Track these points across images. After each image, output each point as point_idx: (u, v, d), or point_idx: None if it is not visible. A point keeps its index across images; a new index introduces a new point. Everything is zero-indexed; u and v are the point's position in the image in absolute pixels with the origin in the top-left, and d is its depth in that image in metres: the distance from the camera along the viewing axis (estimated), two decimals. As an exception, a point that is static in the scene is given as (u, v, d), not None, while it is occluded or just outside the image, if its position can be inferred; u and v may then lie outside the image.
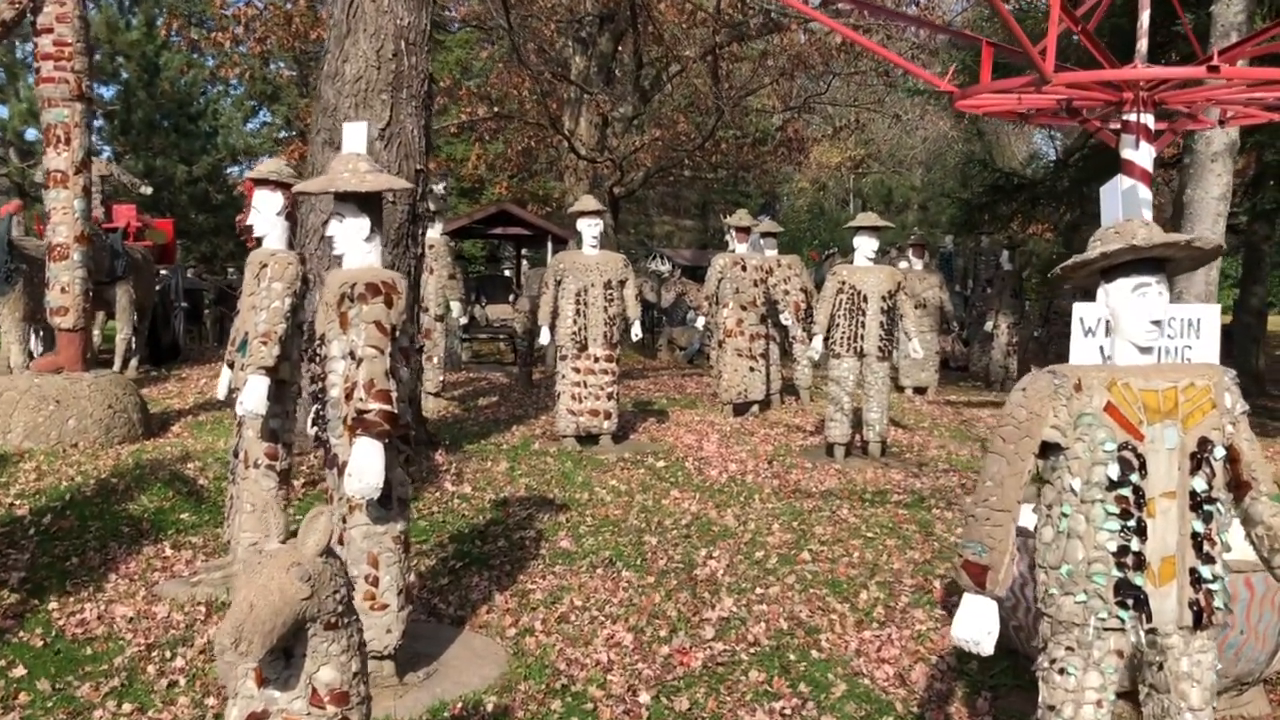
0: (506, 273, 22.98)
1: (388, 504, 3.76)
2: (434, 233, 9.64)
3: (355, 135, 3.84)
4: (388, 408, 3.56)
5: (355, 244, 3.81)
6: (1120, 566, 2.53)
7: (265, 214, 4.79)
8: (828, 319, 8.07)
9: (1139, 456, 2.55)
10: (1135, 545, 2.53)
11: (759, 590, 5.12)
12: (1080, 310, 4.21)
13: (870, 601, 5.08)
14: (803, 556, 5.71)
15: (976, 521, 2.66)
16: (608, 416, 8.14)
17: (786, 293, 10.38)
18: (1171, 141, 4.38)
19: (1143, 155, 4.17)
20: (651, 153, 19.41)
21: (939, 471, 7.83)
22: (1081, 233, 26.78)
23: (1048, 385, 2.62)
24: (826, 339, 8.11)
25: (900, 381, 12.20)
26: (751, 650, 4.41)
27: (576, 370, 8.06)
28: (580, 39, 19.06)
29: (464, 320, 13.88)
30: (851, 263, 8.28)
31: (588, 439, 8.17)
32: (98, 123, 29.28)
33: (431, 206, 9.57)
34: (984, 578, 2.61)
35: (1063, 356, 14.19)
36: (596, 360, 8.08)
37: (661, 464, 7.68)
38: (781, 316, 10.28)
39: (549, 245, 16.41)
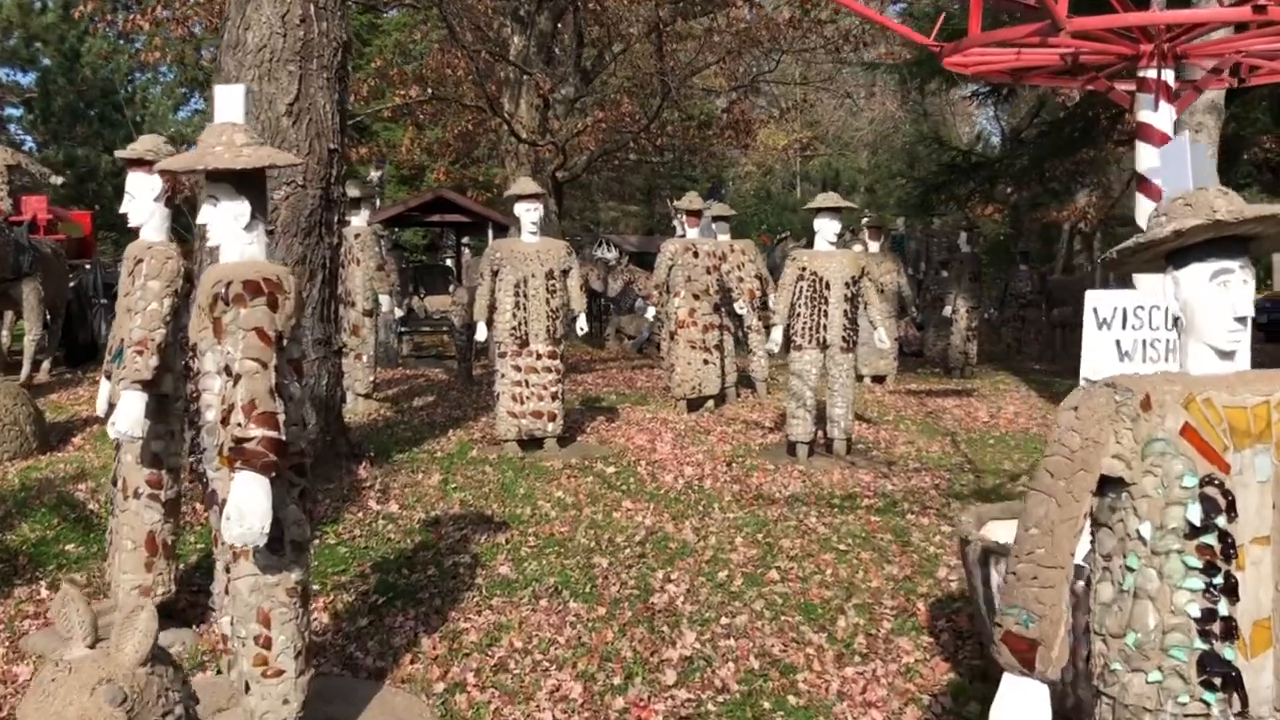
0: (448, 262, 22.16)
1: (279, 549, 3.09)
2: (359, 221, 8.89)
3: (230, 101, 3.15)
4: (272, 434, 2.88)
5: (232, 233, 3.13)
6: (1205, 636, 1.97)
7: (140, 199, 4.07)
8: (787, 308, 7.49)
9: (1226, 494, 1.98)
10: (1224, 608, 1.96)
11: (724, 620, 4.53)
12: (1094, 299, 3.66)
13: (849, 630, 4.51)
14: (770, 576, 5.13)
15: (1020, 581, 2.07)
16: (552, 418, 7.49)
17: (741, 280, 9.79)
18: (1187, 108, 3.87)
19: (1162, 117, 3.63)
20: (595, 136, 18.71)
21: (909, 470, 7.31)
22: (1033, 213, 26.70)
23: (1106, 403, 2.04)
24: (786, 329, 7.54)
25: (859, 370, 11.69)
26: (720, 699, 3.81)
27: (517, 368, 7.39)
28: (519, 17, 18.28)
29: (399, 313, 13.11)
30: (810, 247, 7.71)
31: (531, 443, 7.52)
32: (15, 111, 27.78)
33: (356, 192, 8.82)
34: (1032, 655, 2.03)
35: (1022, 340, 13.79)
36: (539, 357, 7.42)
37: (612, 470, 7.05)
38: (736, 305, 9.68)
39: (490, 233, 15.70)
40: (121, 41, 29.20)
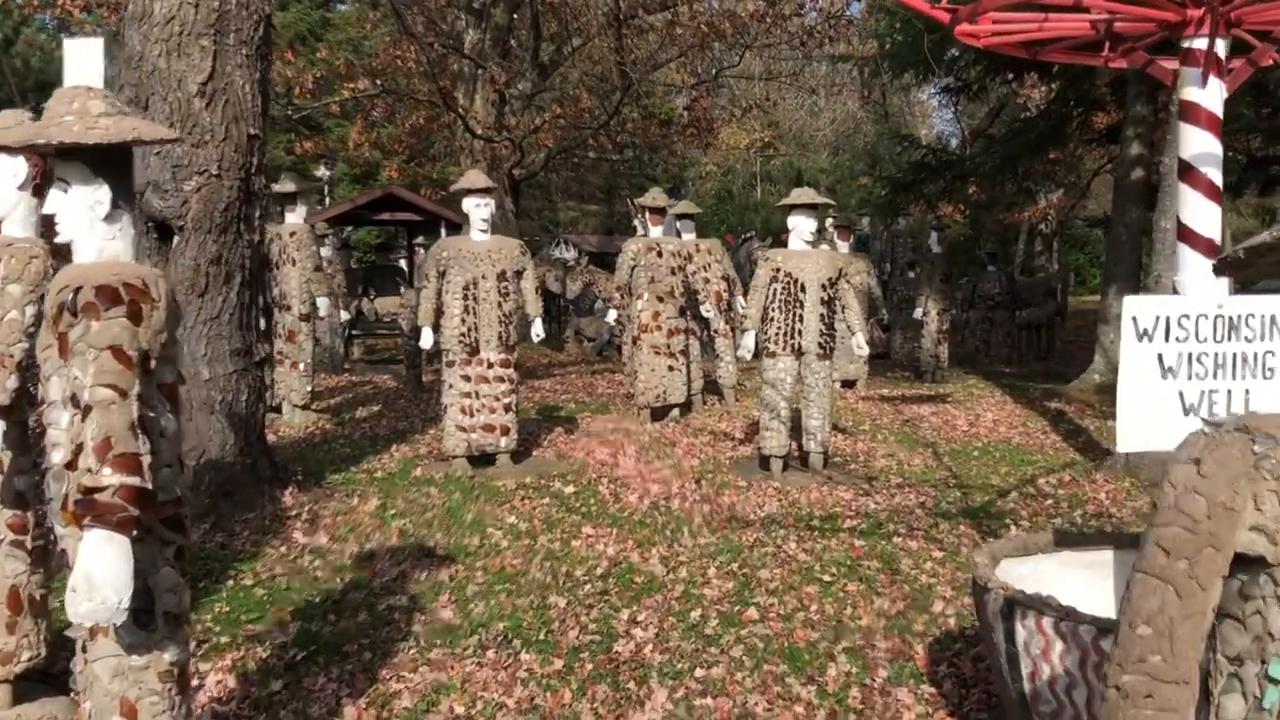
0: (401, 263, 21.38)
1: (148, 623, 2.45)
2: (295, 218, 8.19)
3: (83, 57, 2.49)
4: (132, 480, 2.24)
5: (87, 226, 2.48)
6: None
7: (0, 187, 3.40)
8: (760, 312, 6.94)
9: None
10: None
11: (699, 671, 3.95)
12: (1133, 307, 3.11)
13: (841, 680, 3.95)
14: (749, 614, 4.56)
15: (1129, 701, 1.50)
16: (505, 432, 6.87)
17: (707, 280, 9.22)
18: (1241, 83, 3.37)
19: (1211, 95, 3.12)
20: (553, 132, 18.07)
21: (892, 487, 6.78)
22: (993, 214, 26.46)
23: (1242, 455, 1.48)
24: (759, 335, 6.98)
25: (828, 375, 11.19)
26: (698, 778, 3.23)
27: (466, 378, 6.76)
28: (473, 10, 17.59)
29: (345, 316, 12.40)
30: (785, 246, 7.16)
31: (482, 459, 6.90)
32: (-57, 104, 26.46)
33: (292, 186, 8.14)
34: (1151, 807, 1.47)
35: (990, 342, 13.36)
36: (490, 366, 6.80)
37: (570, 489, 6.45)
38: (702, 308, 9.09)
39: (443, 232, 15.01)
40: (61, 33, 28.07)
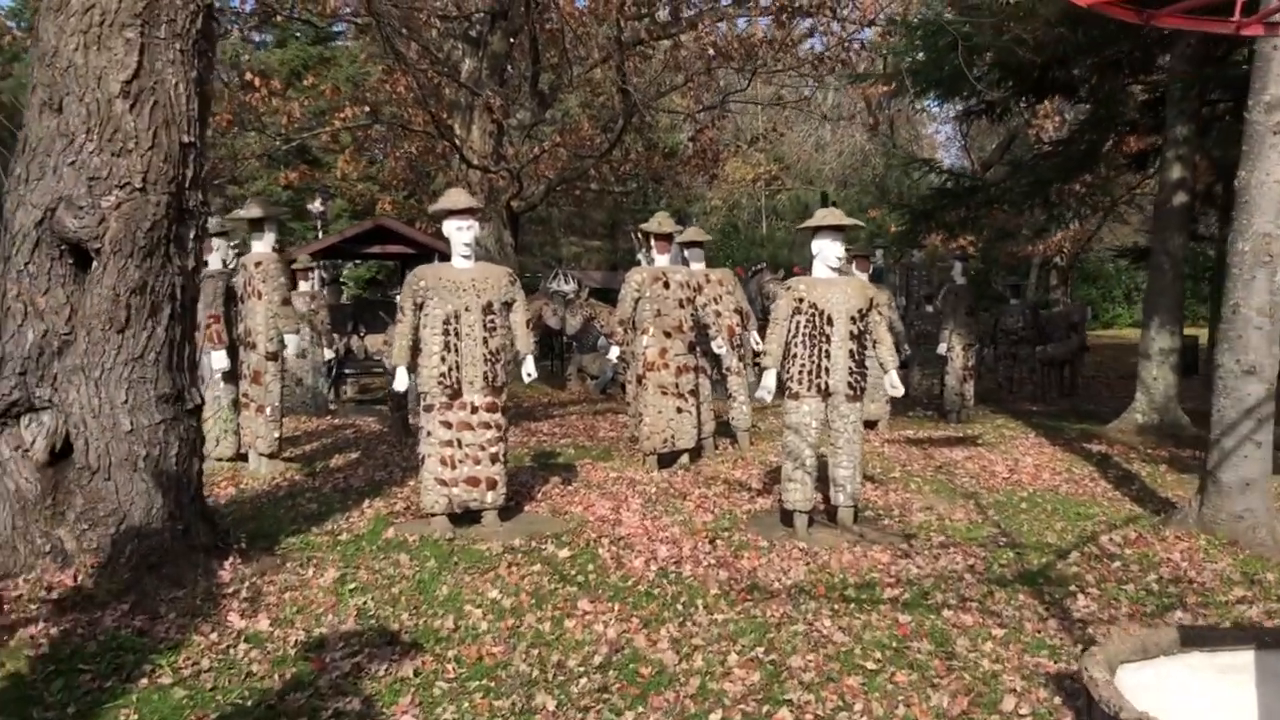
0: (397, 298, 20.66)
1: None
2: (262, 246, 7.40)
3: None
4: None
5: None
6: None
7: None
8: (782, 348, 6.12)
9: None
10: None
11: (723, 807, 3.08)
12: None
13: (906, 817, 3.08)
14: (780, 716, 3.70)
15: None
16: (492, 486, 6.03)
17: (719, 313, 8.41)
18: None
19: None
20: (553, 162, 17.36)
21: (934, 546, 5.91)
22: (1006, 245, 25.71)
23: None
24: (780, 373, 6.16)
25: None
26: None
27: (447, 424, 5.93)
28: (470, 38, 16.97)
29: (329, 354, 11.59)
30: (809, 274, 6.36)
31: (465, 516, 6.06)
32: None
33: (258, 212, 7.36)
34: None
35: (1013, 380, 12.51)
36: (474, 410, 5.97)
37: (565, 552, 5.59)
38: (714, 344, 8.25)
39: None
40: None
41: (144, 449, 4.34)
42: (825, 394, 6.06)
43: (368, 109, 14.78)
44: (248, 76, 14.41)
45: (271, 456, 7.45)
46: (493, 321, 6.01)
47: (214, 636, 4.10)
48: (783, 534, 6.14)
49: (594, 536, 5.91)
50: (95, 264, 4.22)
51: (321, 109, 16.47)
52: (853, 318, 6.09)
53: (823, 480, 6.38)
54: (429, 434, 5.95)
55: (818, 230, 6.16)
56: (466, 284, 5.98)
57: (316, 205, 20.63)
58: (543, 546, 5.69)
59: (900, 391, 6.40)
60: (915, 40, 10.17)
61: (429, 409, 5.95)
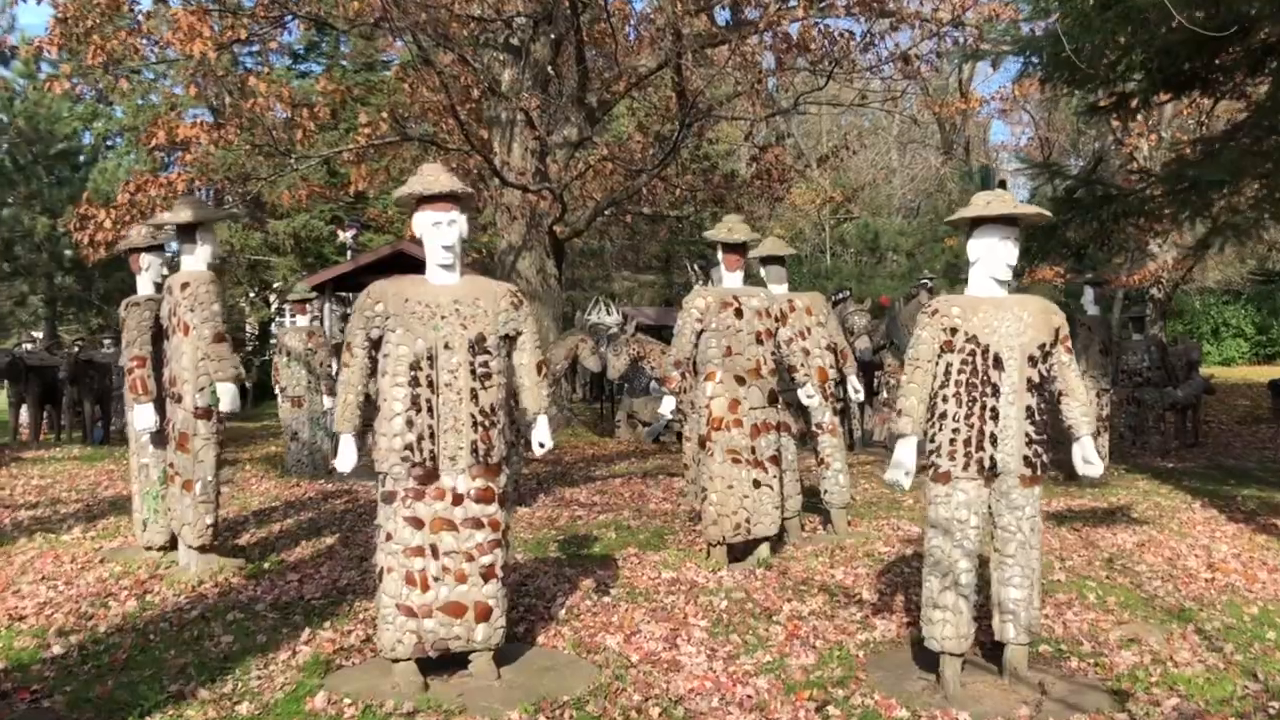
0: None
1: None
2: (192, 262, 5.45)
3: None
4: None
5: None
6: None
7: None
8: (925, 403, 4.02)
9: None
10: None
11: None
12: None
13: None
14: None
15: None
16: (485, 616, 3.98)
17: (808, 352, 6.30)
18: None
19: None
20: (601, 183, 15.46)
21: (1165, 714, 3.70)
22: (1124, 269, 23.29)
23: None
24: (923, 443, 4.05)
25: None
26: None
27: (416, 523, 3.91)
28: (511, 47, 15.22)
29: (329, 403, 9.68)
30: (959, 293, 4.28)
31: (443, 662, 4.01)
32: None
33: (189, 215, 5.47)
34: None
35: (1136, 430, 10.10)
36: (458, 501, 3.95)
37: (590, 733, 3.52)
38: (801, 392, 6.12)
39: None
40: (101, 104, 26.54)
41: None
42: (990, 472, 3.94)
43: (385, 116, 13.00)
44: (287, 111, 12.86)
45: (202, 549, 5.48)
46: (486, 364, 3.99)
47: None
48: (924, 686, 4.02)
49: (636, 698, 3.81)
50: None
51: (350, 128, 14.80)
52: (1032, 357, 3.98)
53: (982, 607, 4.22)
54: (389, 537, 3.93)
55: (977, 223, 4.07)
56: (447, 308, 3.97)
57: (345, 235, 18.96)
58: (557, 715, 3.61)
59: (1099, 471, 4.24)
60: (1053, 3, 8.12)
61: (388, 498, 3.94)
